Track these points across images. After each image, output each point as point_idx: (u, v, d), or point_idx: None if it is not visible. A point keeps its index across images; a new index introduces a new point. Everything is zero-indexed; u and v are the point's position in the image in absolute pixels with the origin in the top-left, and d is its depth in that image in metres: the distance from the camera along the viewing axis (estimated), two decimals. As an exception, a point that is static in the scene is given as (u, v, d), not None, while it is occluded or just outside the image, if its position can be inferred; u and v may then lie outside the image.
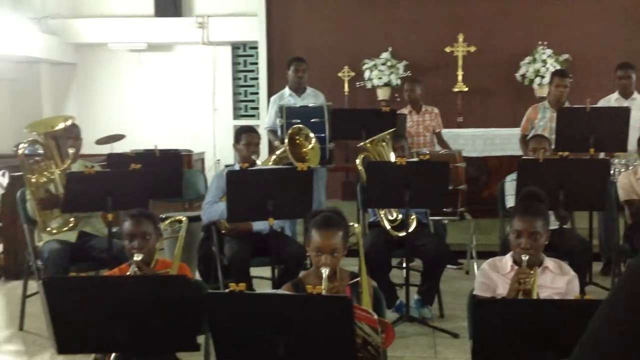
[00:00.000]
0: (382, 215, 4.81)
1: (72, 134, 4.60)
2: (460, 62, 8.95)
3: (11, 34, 9.92)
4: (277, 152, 4.84)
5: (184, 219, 3.76)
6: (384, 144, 4.94)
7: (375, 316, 2.43)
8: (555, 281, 3.04)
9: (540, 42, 9.07)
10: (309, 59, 6.54)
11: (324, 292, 2.56)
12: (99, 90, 11.63)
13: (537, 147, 4.89)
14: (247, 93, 11.49)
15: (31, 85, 11.48)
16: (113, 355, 2.62)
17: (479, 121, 8.74)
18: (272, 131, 6.35)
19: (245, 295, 2.36)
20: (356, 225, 3.26)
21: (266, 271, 4.63)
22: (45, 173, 4.38)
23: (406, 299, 4.59)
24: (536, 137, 5.14)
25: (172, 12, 11.07)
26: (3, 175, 7.59)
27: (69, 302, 2.45)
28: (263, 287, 4.78)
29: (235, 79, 11.50)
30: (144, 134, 9.79)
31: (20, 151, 4.36)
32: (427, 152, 5.48)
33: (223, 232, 4.67)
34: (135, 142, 8.17)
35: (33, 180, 4.36)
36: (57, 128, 4.40)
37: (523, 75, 9.11)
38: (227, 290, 2.32)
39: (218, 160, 11.45)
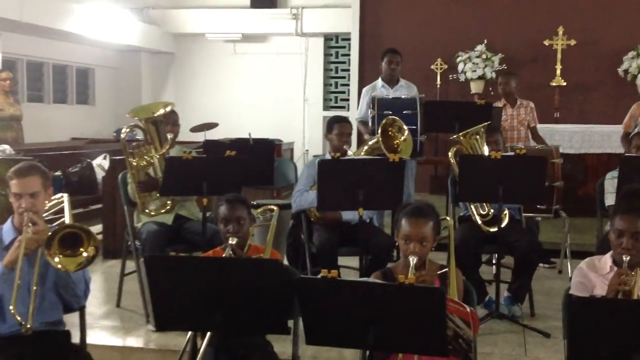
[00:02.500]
0: (473, 210, 4.73)
1: (171, 120, 4.74)
2: (559, 56, 8.69)
3: (114, 23, 10.34)
4: (370, 143, 4.83)
5: (275, 208, 3.82)
6: (477, 137, 4.85)
7: (468, 309, 2.40)
8: (657, 284, 2.91)
9: (645, 37, 8.70)
10: (401, 51, 6.49)
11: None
12: (195, 79, 11.98)
13: (641, 144, 4.68)
14: (337, 84, 11.54)
15: (132, 73, 11.95)
16: (209, 334, 2.68)
17: (577, 117, 8.47)
18: (363, 122, 6.34)
19: (338, 281, 2.38)
20: (449, 218, 3.23)
21: (353, 261, 4.65)
22: (145, 157, 4.53)
23: (496, 296, 4.50)
24: (640, 134, 4.92)
25: (268, 4, 11.24)
26: (104, 158, 7.94)
27: (168, 281, 2.54)
28: (350, 277, 4.80)
29: (326, 70, 11.56)
30: (236, 123, 10.01)
31: (122, 135, 4.54)
32: (522, 146, 5.34)
33: (312, 220, 4.72)
34: (227, 130, 8.35)
35: (134, 163, 4.53)
36: (157, 114, 4.54)
37: (626, 71, 8.75)
38: (319, 276, 2.36)
39: (307, 150, 11.58)
